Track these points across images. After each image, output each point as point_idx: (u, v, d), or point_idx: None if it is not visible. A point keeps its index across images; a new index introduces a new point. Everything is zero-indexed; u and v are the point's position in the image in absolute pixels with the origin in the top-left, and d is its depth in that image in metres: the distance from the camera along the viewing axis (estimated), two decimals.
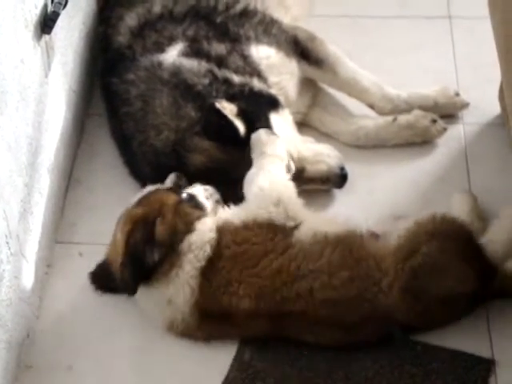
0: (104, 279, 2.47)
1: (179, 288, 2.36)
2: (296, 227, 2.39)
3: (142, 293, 2.39)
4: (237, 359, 2.37)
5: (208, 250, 2.36)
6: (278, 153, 2.53)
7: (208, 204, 2.47)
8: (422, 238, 2.33)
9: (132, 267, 2.33)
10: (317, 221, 2.44)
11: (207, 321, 2.37)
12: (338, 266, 2.31)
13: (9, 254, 2.26)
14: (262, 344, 2.38)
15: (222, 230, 2.39)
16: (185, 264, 2.36)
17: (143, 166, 2.70)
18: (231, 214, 2.43)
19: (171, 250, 2.35)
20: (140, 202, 2.43)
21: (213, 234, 2.38)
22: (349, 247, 2.34)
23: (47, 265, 2.61)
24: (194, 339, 2.41)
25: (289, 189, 2.47)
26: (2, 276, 2.22)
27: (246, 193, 2.48)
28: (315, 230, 2.37)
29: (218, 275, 2.35)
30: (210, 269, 2.35)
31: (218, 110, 2.54)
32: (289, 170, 2.57)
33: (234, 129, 2.55)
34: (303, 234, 2.37)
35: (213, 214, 2.45)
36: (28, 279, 2.44)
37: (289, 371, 2.34)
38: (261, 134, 2.55)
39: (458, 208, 2.58)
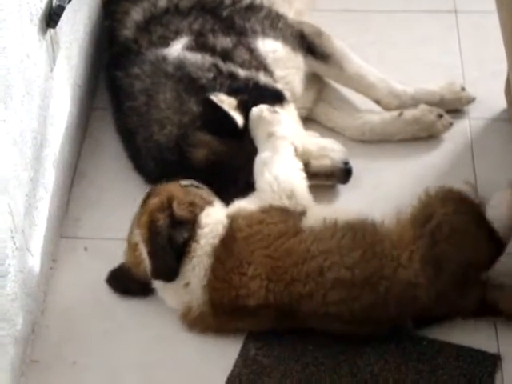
0: (121, 282, 2.49)
1: (195, 266, 2.36)
2: (304, 213, 2.41)
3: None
4: (242, 355, 2.36)
5: (220, 228, 2.38)
6: (286, 134, 2.53)
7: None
8: (435, 204, 2.36)
9: (164, 253, 2.34)
10: (327, 210, 2.46)
11: (220, 307, 2.36)
12: (349, 247, 2.31)
13: (14, 249, 2.26)
14: (267, 340, 2.38)
15: (234, 216, 2.41)
16: (201, 238, 2.38)
17: (147, 161, 2.70)
18: (245, 202, 2.45)
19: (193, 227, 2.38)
20: (148, 197, 2.45)
21: (223, 215, 2.41)
22: (361, 232, 2.34)
23: (52, 259, 2.60)
24: (206, 330, 2.40)
25: (302, 181, 2.49)
26: (7, 271, 2.22)
27: (257, 178, 2.48)
28: (325, 217, 2.38)
29: (229, 257, 2.35)
30: (221, 250, 2.36)
31: (212, 102, 2.54)
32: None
33: (231, 120, 2.54)
34: (313, 220, 2.38)
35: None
36: (33, 274, 2.43)
37: (294, 367, 2.33)
38: (263, 111, 2.53)
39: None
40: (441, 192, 2.40)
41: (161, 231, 2.34)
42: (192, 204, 2.42)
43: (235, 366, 2.35)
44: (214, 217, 2.42)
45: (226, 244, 2.37)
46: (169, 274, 2.38)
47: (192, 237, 2.38)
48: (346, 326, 2.33)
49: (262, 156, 2.50)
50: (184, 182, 2.49)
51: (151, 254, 2.36)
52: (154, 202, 2.40)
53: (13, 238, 2.25)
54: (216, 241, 2.37)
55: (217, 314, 2.37)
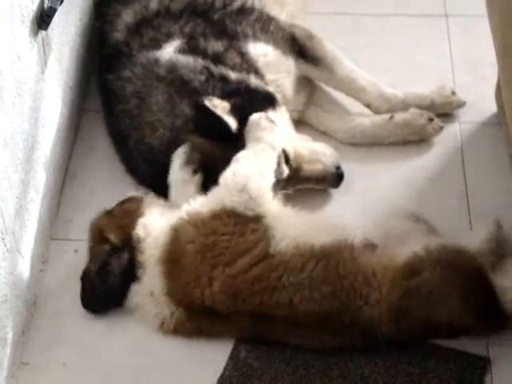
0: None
1: (152, 275, 2.38)
2: (270, 233, 2.35)
3: (133, 296, 2.42)
4: (232, 357, 2.36)
5: (163, 241, 2.37)
6: (274, 142, 2.51)
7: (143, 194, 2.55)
8: (427, 263, 2.28)
9: (109, 279, 2.40)
10: (299, 223, 2.41)
11: (190, 311, 2.36)
12: (320, 280, 2.28)
13: (4, 251, 2.26)
14: (258, 342, 2.38)
15: (181, 225, 2.38)
16: (146, 249, 2.39)
17: (139, 163, 2.70)
18: (199, 203, 2.42)
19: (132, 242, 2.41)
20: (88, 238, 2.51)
21: (167, 228, 2.39)
22: (335, 262, 2.30)
23: (43, 261, 2.60)
24: (189, 335, 2.40)
25: (264, 179, 2.43)
26: None
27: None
28: (299, 241, 2.33)
29: (183, 271, 2.34)
30: (171, 262, 2.36)
31: (205, 107, 2.53)
32: (280, 173, 2.57)
33: (225, 125, 2.54)
34: (285, 244, 2.34)
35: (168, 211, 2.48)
36: (23, 276, 2.43)
37: (284, 369, 2.33)
38: (261, 119, 2.53)
39: (477, 231, 2.49)
40: (439, 250, 2.31)
41: (91, 276, 2.42)
42: (120, 226, 2.44)
43: (225, 368, 2.35)
44: (152, 226, 2.42)
45: (176, 257, 2.36)
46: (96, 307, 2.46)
47: (137, 251, 2.40)
48: (321, 343, 2.34)
49: (238, 154, 2.47)
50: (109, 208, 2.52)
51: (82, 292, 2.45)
52: (89, 240, 2.48)
53: (3, 239, 2.24)
54: (161, 250, 2.37)
55: (191, 318, 2.38)
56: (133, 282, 2.40)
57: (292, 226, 2.40)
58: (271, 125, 2.53)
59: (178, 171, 2.54)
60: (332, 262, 2.30)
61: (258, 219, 2.37)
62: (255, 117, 2.53)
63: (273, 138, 2.51)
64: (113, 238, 2.43)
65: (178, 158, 2.54)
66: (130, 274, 2.40)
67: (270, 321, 2.33)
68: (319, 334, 2.32)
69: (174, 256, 2.36)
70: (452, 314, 2.26)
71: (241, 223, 2.36)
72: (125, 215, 2.47)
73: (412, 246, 2.31)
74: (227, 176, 2.41)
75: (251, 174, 2.40)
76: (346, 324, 2.28)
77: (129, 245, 2.41)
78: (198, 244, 2.34)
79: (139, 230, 2.42)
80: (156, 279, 2.38)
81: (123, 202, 2.53)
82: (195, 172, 2.54)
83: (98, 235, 2.46)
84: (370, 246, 2.36)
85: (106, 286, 2.41)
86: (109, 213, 2.50)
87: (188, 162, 2.54)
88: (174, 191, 2.57)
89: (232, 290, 2.31)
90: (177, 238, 2.37)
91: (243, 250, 2.33)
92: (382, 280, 2.27)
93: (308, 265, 2.30)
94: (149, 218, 2.46)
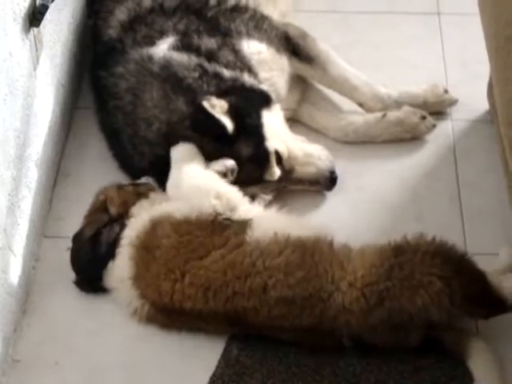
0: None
1: (123, 257, 2.40)
2: (248, 225, 2.37)
3: (109, 277, 2.44)
4: (224, 355, 2.36)
5: (140, 224, 2.40)
6: (188, 157, 2.52)
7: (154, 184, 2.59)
8: (410, 246, 2.28)
9: (97, 248, 2.43)
10: (281, 223, 2.41)
11: (158, 307, 2.37)
12: (296, 265, 2.28)
13: None
14: (250, 340, 2.38)
15: (159, 219, 2.40)
16: (127, 229, 2.43)
17: (135, 158, 2.69)
18: (172, 207, 2.43)
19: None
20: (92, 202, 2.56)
21: (146, 219, 2.41)
22: (311, 251, 2.30)
23: (35, 259, 2.59)
24: (164, 327, 2.41)
25: (220, 181, 2.46)
26: None
27: (177, 196, 2.46)
28: (277, 231, 2.33)
29: (153, 262, 2.35)
30: (143, 251, 2.37)
31: (203, 107, 2.53)
32: (270, 174, 2.59)
33: (221, 126, 2.54)
34: (261, 232, 2.34)
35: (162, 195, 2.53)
36: (15, 273, 2.43)
37: (276, 367, 2.33)
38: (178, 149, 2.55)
39: (502, 260, 2.47)
40: (417, 241, 2.31)
41: (82, 240, 2.46)
42: (124, 202, 2.49)
43: (218, 366, 2.35)
44: (144, 210, 2.46)
45: (148, 247, 2.37)
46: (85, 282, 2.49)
47: (122, 228, 2.44)
48: (294, 337, 2.33)
49: (172, 178, 2.49)
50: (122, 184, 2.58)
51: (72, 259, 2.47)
52: (91, 205, 2.53)
53: None
54: (136, 234, 2.40)
55: (160, 313, 2.38)
56: (111, 260, 2.43)
57: (270, 220, 2.41)
58: (188, 149, 2.54)
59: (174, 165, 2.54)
60: (309, 251, 2.30)
61: (241, 226, 2.37)
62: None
63: (187, 156, 2.53)
64: (112, 210, 2.47)
65: (174, 153, 2.54)
66: (114, 248, 2.43)
67: (243, 316, 2.32)
68: (290, 328, 2.30)
69: (147, 246, 2.38)
70: (432, 301, 2.22)
71: (219, 226, 2.37)
72: (132, 194, 2.51)
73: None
74: (192, 190, 2.42)
75: (210, 181, 2.44)
76: (315, 318, 2.26)
77: (122, 220, 2.45)
78: (172, 239, 2.36)
79: (134, 209, 2.47)
80: (125, 263, 2.39)
81: (137, 184, 2.58)
82: None
83: (100, 204, 2.51)
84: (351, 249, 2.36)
85: (93, 253, 2.44)
86: (120, 187, 2.54)
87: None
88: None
89: (203, 282, 2.30)
90: (153, 230, 2.39)
91: (218, 244, 2.34)
92: (358, 264, 2.27)
93: (285, 251, 2.30)
94: (146, 203, 2.48)
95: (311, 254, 2.30)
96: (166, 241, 2.36)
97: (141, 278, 2.38)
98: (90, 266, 2.46)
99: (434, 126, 2.88)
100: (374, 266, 2.26)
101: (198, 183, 2.44)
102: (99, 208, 2.51)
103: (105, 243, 2.43)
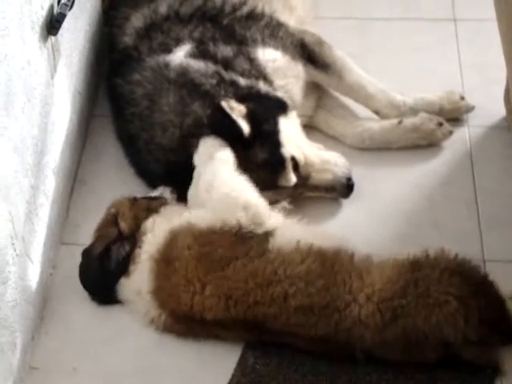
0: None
1: (142, 272, 2.40)
2: (271, 234, 2.36)
3: (123, 291, 2.45)
4: (240, 364, 2.36)
5: (161, 237, 2.39)
6: (226, 157, 2.49)
7: (169, 196, 2.59)
8: (428, 262, 2.25)
9: (106, 265, 2.43)
10: (302, 232, 2.40)
11: (176, 317, 2.37)
12: (316, 274, 2.27)
13: (14, 256, 2.26)
14: (266, 349, 2.37)
15: (182, 230, 2.39)
16: (144, 244, 2.42)
17: (151, 164, 2.70)
18: (195, 216, 2.41)
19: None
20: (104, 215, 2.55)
21: (165, 231, 2.40)
22: (332, 261, 2.29)
23: (52, 266, 2.61)
24: (180, 336, 2.41)
25: (254, 193, 2.43)
26: (7, 277, 2.22)
27: (206, 201, 2.43)
28: (300, 239, 2.33)
29: (174, 273, 2.35)
30: (163, 263, 2.37)
31: (222, 108, 2.53)
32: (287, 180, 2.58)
33: (238, 129, 2.54)
34: (283, 241, 2.34)
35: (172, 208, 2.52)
36: (33, 280, 2.44)
37: (293, 376, 2.33)
38: (207, 142, 2.52)
39: None
40: (437, 257, 2.28)
41: (91, 256, 2.46)
42: (136, 217, 2.48)
43: (234, 374, 2.34)
44: (158, 225, 2.44)
45: (168, 259, 2.37)
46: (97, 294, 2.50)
47: (137, 244, 2.43)
48: (309, 346, 2.32)
49: (204, 179, 2.45)
50: (133, 197, 2.57)
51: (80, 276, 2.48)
52: (101, 219, 2.52)
53: (13, 244, 2.25)
54: (156, 248, 2.39)
55: (179, 322, 2.38)
56: (124, 276, 2.43)
57: (292, 230, 2.40)
58: (218, 144, 2.51)
59: (206, 160, 2.52)
60: (329, 261, 2.30)
61: (268, 235, 2.36)
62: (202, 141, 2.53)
63: (223, 152, 2.50)
64: (123, 225, 2.47)
65: (205, 147, 2.53)
66: (125, 266, 2.43)
67: (261, 324, 2.32)
68: (306, 336, 2.30)
69: (167, 258, 2.37)
70: (447, 321, 2.20)
71: (241, 238, 2.35)
72: (144, 209, 2.51)
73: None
74: (221, 198, 2.39)
75: (240, 190, 2.40)
76: (331, 328, 2.25)
77: (134, 236, 2.45)
78: (193, 251, 2.35)
79: (147, 224, 2.46)
80: (144, 276, 2.39)
81: (151, 198, 2.57)
82: None
83: (112, 216, 2.50)
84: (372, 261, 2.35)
85: (101, 270, 2.44)
86: (132, 201, 2.54)
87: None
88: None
89: (224, 291, 2.31)
90: (174, 241, 2.38)
91: (241, 254, 2.33)
92: (376, 277, 2.25)
93: (307, 260, 2.29)
94: (159, 217, 2.47)
95: (331, 264, 2.29)
96: (186, 252, 2.35)
97: (161, 290, 2.37)
98: (97, 282, 2.47)
99: (450, 132, 2.87)
100: (390, 280, 2.25)
101: (228, 190, 2.40)
102: (110, 221, 2.50)
103: (114, 261, 2.44)
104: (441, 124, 2.85)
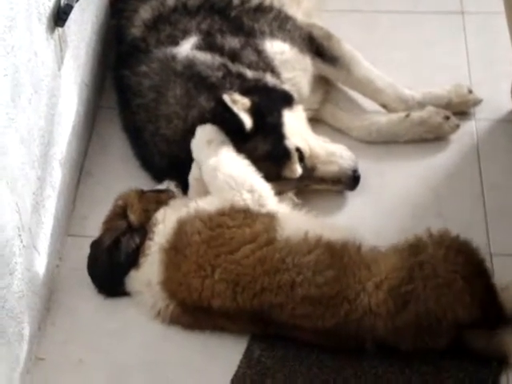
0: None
1: (152, 263, 2.40)
2: (278, 222, 2.37)
3: (132, 283, 2.45)
4: (246, 356, 2.37)
5: (169, 228, 2.40)
6: (225, 140, 2.51)
7: (175, 190, 2.60)
8: (430, 243, 2.27)
9: (115, 257, 2.44)
10: (311, 223, 2.41)
11: (185, 306, 2.38)
12: (325, 265, 2.28)
13: (21, 247, 2.27)
14: (272, 341, 2.38)
15: (189, 218, 2.40)
16: (155, 235, 2.43)
17: (156, 156, 2.70)
18: (203, 202, 2.43)
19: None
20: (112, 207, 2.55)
21: (174, 221, 2.41)
22: (340, 253, 2.30)
23: (59, 258, 2.61)
24: (187, 327, 2.42)
25: (257, 176, 2.46)
26: (14, 268, 2.23)
27: (211, 184, 2.46)
28: (307, 230, 2.34)
29: (184, 261, 2.35)
30: (173, 252, 2.37)
31: (224, 102, 2.53)
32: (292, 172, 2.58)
33: (239, 123, 2.54)
34: (292, 231, 2.35)
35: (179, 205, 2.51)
36: (40, 272, 2.44)
37: (298, 368, 2.33)
38: (204, 128, 2.53)
39: None
40: (442, 235, 2.30)
41: (116, 242, 2.45)
42: (145, 210, 2.48)
43: (239, 366, 2.35)
44: (169, 216, 2.45)
45: (178, 247, 2.37)
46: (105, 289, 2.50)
47: (148, 236, 2.44)
48: (314, 339, 2.32)
49: (209, 163, 2.47)
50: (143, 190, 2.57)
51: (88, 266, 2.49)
52: (110, 211, 2.53)
53: (20, 236, 2.26)
54: (166, 239, 2.40)
55: (187, 312, 2.39)
56: (133, 268, 2.43)
57: (300, 221, 2.41)
58: (212, 127, 2.53)
59: (204, 147, 2.54)
60: (338, 253, 2.30)
61: (268, 213, 2.39)
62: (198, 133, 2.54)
63: (221, 136, 2.52)
64: (133, 217, 2.47)
65: (202, 134, 2.54)
66: (134, 257, 2.44)
67: (267, 314, 2.32)
68: (313, 328, 2.30)
69: (177, 247, 2.38)
70: (456, 300, 2.21)
71: (250, 217, 2.38)
72: (154, 202, 2.51)
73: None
74: (226, 180, 2.42)
75: (246, 174, 2.44)
76: (340, 319, 2.26)
77: (144, 228, 2.45)
78: (203, 235, 2.36)
79: (158, 215, 2.46)
80: (155, 268, 2.39)
81: (159, 191, 2.58)
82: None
83: (120, 208, 2.51)
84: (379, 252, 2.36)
85: (110, 263, 2.44)
86: (141, 193, 2.54)
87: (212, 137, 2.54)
88: (191, 189, 2.57)
89: (233, 277, 2.31)
90: (183, 230, 2.39)
91: (249, 238, 2.34)
92: (382, 267, 2.26)
93: (315, 250, 2.30)
94: (169, 209, 2.48)
95: (340, 256, 2.30)
96: (197, 237, 2.36)
97: (171, 280, 2.38)
98: (106, 274, 2.48)
99: (457, 126, 2.86)
100: (395, 268, 2.26)
101: (234, 173, 2.43)
102: (118, 214, 2.51)
103: (124, 253, 2.44)
104: (448, 118, 2.85)
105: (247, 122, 2.54)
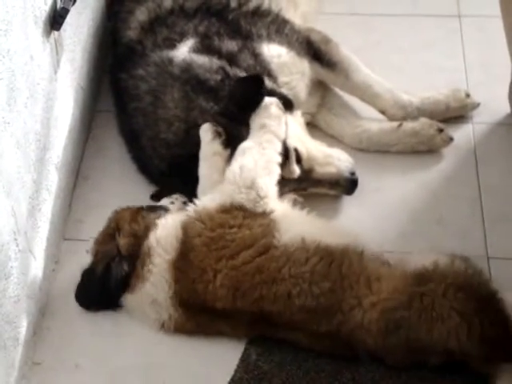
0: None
1: (157, 284, 2.37)
2: (276, 228, 2.34)
3: (129, 304, 2.43)
4: (243, 360, 2.36)
5: (174, 242, 2.37)
6: (280, 132, 2.48)
7: (171, 206, 2.54)
8: (435, 276, 2.24)
9: (106, 283, 2.40)
10: (308, 223, 2.41)
11: (192, 314, 2.37)
12: (321, 275, 2.27)
13: (17, 251, 2.26)
14: (269, 345, 2.38)
15: (189, 221, 2.38)
16: (154, 259, 2.38)
17: (154, 160, 2.69)
18: (207, 199, 2.41)
19: (138, 254, 2.40)
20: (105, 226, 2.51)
21: (177, 227, 2.39)
22: (340, 261, 2.28)
23: (55, 261, 2.61)
24: (190, 334, 2.40)
25: (270, 175, 2.42)
26: (9, 273, 2.22)
27: (231, 163, 2.44)
28: (306, 235, 2.32)
29: (190, 267, 2.34)
30: (182, 260, 2.35)
31: (261, 79, 2.52)
32: (290, 172, 2.56)
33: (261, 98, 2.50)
34: (290, 237, 2.33)
35: (178, 213, 2.48)
36: (35, 276, 2.44)
37: (295, 373, 2.33)
38: (272, 105, 2.49)
39: None
40: (447, 269, 2.26)
41: (104, 266, 2.41)
42: (134, 236, 2.43)
43: (236, 370, 2.35)
44: (164, 234, 2.40)
45: (184, 254, 2.35)
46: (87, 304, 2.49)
47: (145, 261, 2.39)
48: (312, 343, 2.32)
49: (243, 145, 2.45)
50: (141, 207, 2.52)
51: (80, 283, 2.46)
52: (100, 234, 2.48)
53: (15, 240, 2.25)
54: (173, 255, 2.37)
55: (190, 318, 2.38)
56: (128, 291, 2.41)
57: (299, 223, 2.39)
58: (280, 113, 2.50)
59: (209, 144, 2.52)
60: (337, 261, 2.29)
61: (266, 214, 2.37)
62: (267, 101, 2.50)
63: (279, 127, 2.48)
64: (121, 244, 2.42)
65: (207, 132, 2.52)
66: (125, 283, 2.41)
67: (266, 319, 2.32)
68: (308, 333, 2.30)
69: (183, 253, 2.36)
70: (450, 335, 2.19)
71: (250, 217, 2.36)
72: (143, 227, 2.45)
73: (422, 260, 2.28)
74: (234, 171, 2.40)
75: (258, 169, 2.39)
76: (333, 328, 2.25)
77: (134, 255, 2.41)
78: (204, 237, 2.34)
79: (151, 242, 2.41)
80: (161, 286, 2.37)
81: (154, 208, 2.52)
82: (226, 145, 2.51)
83: (112, 230, 2.46)
84: (383, 260, 2.34)
85: (101, 290, 2.42)
86: (135, 213, 2.49)
87: (217, 135, 2.53)
88: (204, 165, 2.54)
89: (233, 283, 2.30)
90: (185, 234, 2.37)
91: (248, 243, 2.32)
92: (384, 286, 2.25)
93: (311, 259, 2.29)
94: (160, 230, 2.43)
95: (339, 264, 2.28)
96: (198, 240, 2.34)
97: (182, 289, 2.35)
98: (97, 302, 2.47)
99: (451, 139, 2.83)
100: (396, 291, 2.24)
101: (247, 164, 2.39)
102: (110, 235, 2.46)
103: (114, 280, 2.40)
104: (441, 130, 2.82)
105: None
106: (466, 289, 2.23)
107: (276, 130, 2.47)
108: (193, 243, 2.35)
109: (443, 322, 2.20)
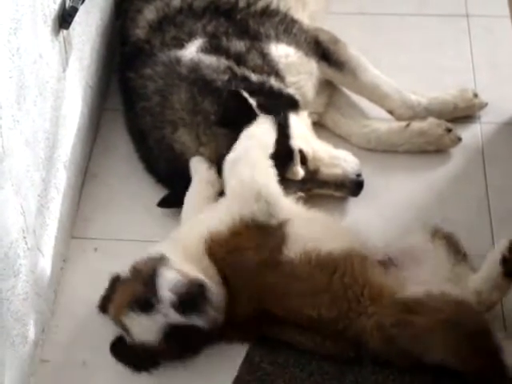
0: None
1: None
2: (283, 224, 2.33)
3: None
4: (246, 361, 2.36)
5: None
6: (266, 139, 2.45)
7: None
8: (421, 309, 2.22)
9: None
10: (313, 225, 2.40)
11: None
12: (323, 287, 2.27)
13: (25, 249, 2.27)
14: (272, 347, 2.37)
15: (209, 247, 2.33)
16: None
17: (160, 162, 2.70)
18: (216, 222, 2.35)
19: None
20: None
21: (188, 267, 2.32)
22: (342, 271, 2.28)
23: (63, 260, 2.61)
24: None
25: (271, 179, 2.39)
26: (18, 270, 2.23)
27: (226, 181, 2.41)
28: (307, 248, 2.31)
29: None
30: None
31: (240, 94, 2.52)
32: (293, 173, 2.57)
33: (253, 115, 2.51)
34: (294, 251, 2.31)
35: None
36: (44, 274, 2.44)
37: (298, 375, 2.32)
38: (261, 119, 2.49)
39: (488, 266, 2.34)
40: (438, 301, 2.23)
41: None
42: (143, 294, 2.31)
43: (240, 372, 2.35)
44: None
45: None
46: None
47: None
48: (314, 345, 2.33)
49: (229, 158, 2.41)
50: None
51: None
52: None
53: (24, 238, 2.26)
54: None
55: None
56: None
57: (304, 228, 2.38)
58: (267, 123, 2.48)
59: (206, 172, 2.56)
60: (340, 270, 2.28)
61: (279, 226, 2.34)
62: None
63: (265, 135, 2.46)
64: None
65: (200, 161, 2.56)
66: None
67: (270, 320, 2.33)
68: (313, 335, 2.32)
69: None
70: (439, 359, 2.21)
71: (263, 234, 2.33)
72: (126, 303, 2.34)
73: (416, 288, 2.27)
74: (235, 187, 2.37)
75: (257, 178, 2.36)
76: (339, 330, 2.27)
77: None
78: (220, 255, 2.32)
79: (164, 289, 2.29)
80: None
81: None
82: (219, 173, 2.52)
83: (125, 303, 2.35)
84: (385, 264, 2.35)
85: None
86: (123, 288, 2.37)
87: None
88: (193, 192, 2.58)
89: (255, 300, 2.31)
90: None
91: (264, 255, 2.30)
92: (384, 301, 2.25)
93: (314, 271, 2.28)
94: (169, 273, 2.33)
95: (341, 274, 2.28)
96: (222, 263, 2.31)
97: None
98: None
99: (459, 139, 2.82)
100: (391, 312, 2.24)
101: (242, 179, 2.35)
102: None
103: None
104: (449, 130, 2.81)
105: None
106: (455, 326, 2.20)
107: (262, 137, 2.45)
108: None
109: (431, 351, 2.21)
